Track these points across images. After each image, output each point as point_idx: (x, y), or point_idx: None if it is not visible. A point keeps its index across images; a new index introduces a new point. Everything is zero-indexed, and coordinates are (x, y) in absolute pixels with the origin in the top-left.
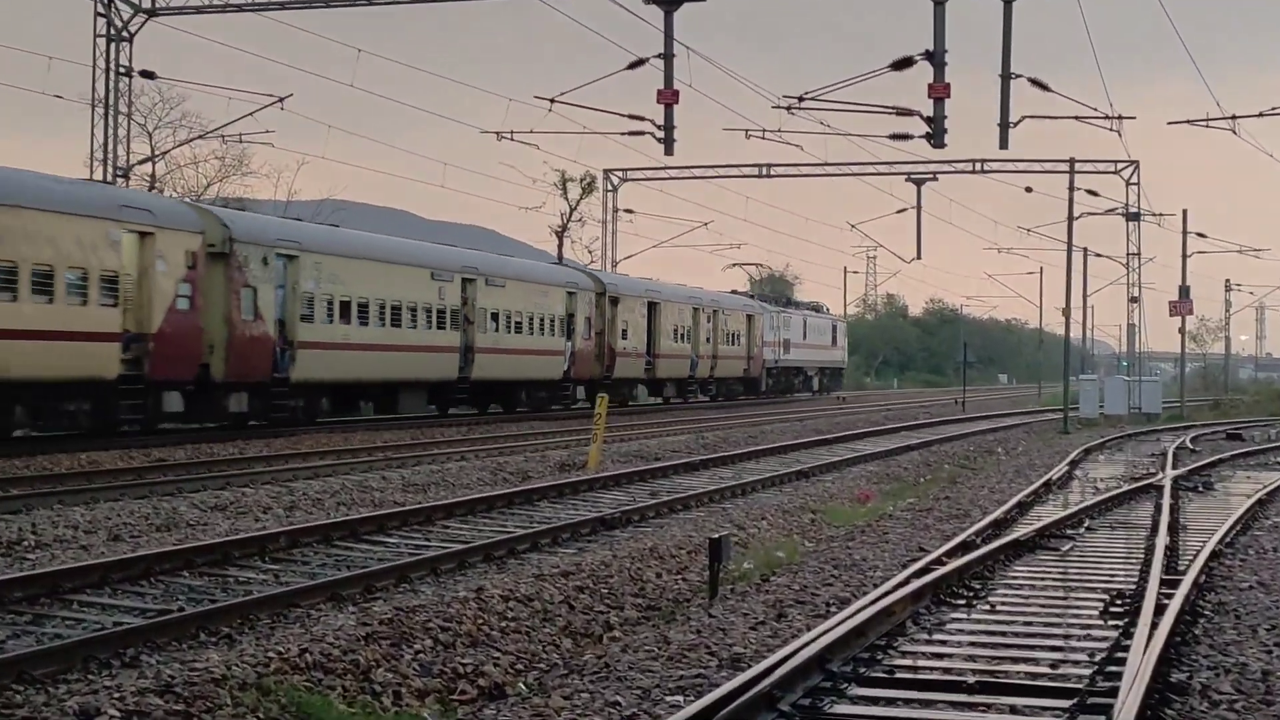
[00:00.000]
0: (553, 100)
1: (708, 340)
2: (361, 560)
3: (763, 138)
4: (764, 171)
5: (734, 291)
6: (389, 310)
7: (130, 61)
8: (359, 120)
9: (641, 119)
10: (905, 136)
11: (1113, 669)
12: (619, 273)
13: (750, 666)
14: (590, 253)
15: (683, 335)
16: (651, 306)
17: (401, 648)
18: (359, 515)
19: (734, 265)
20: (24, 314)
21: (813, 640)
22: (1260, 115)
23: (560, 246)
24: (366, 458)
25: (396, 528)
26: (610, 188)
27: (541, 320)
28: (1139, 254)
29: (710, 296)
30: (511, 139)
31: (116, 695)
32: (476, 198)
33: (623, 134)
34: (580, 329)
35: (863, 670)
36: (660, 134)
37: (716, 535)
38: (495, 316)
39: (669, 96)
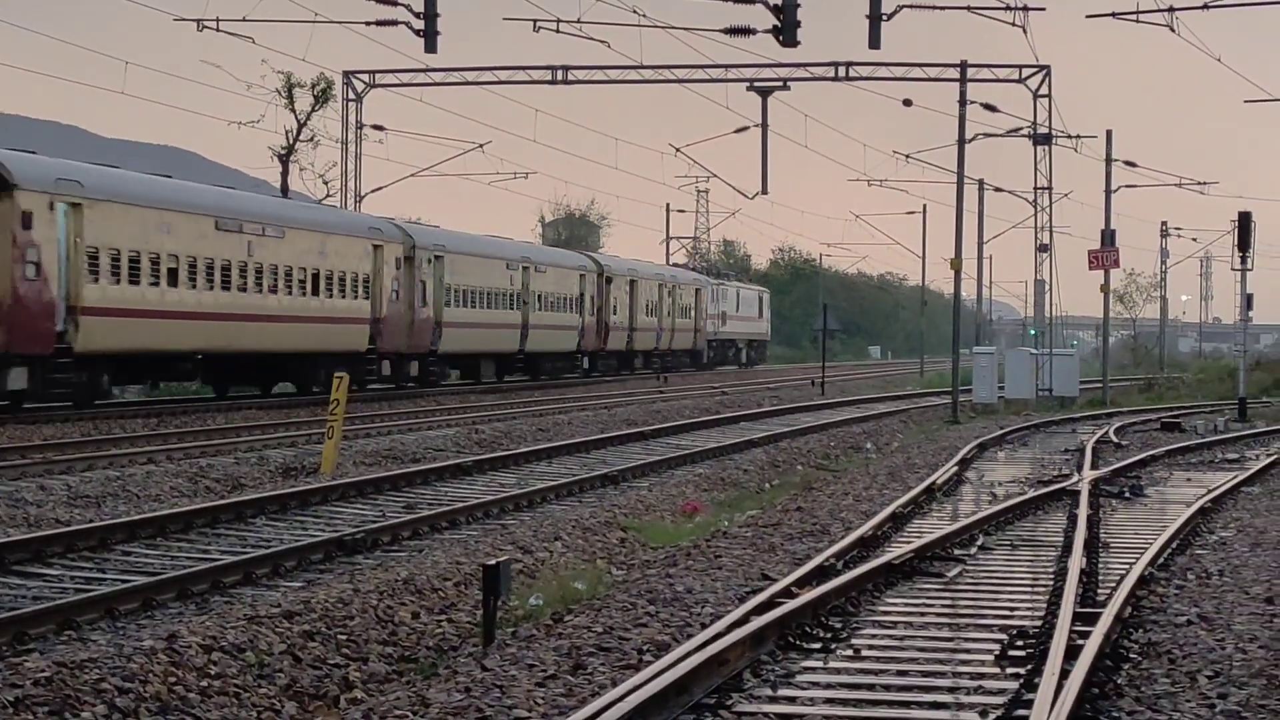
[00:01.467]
0: None
1: (669, 314)
2: (10, 600)
3: (557, 31)
4: (558, 76)
5: (688, 266)
6: (488, 296)
7: None
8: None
9: (394, 3)
10: (747, 31)
11: None
12: (609, 254)
13: None
14: (326, 183)
15: (652, 310)
16: (632, 284)
17: (64, 717)
18: (6, 538)
19: (542, 220)
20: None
21: (619, 699)
22: (1205, 7)
23: (284, 175)
24: (19, 460)
25: (59, 555)
26: (352, 96)
27: (565, 300)
28: (1050, 188)
29: (670, 273)
30: (217, 29)
31: None
32: (171, 109)
33: (369, 24)
34: (588, 307)
35: None
36: (419, 24)
37: (493, 561)
38: (540, 299)
39: None
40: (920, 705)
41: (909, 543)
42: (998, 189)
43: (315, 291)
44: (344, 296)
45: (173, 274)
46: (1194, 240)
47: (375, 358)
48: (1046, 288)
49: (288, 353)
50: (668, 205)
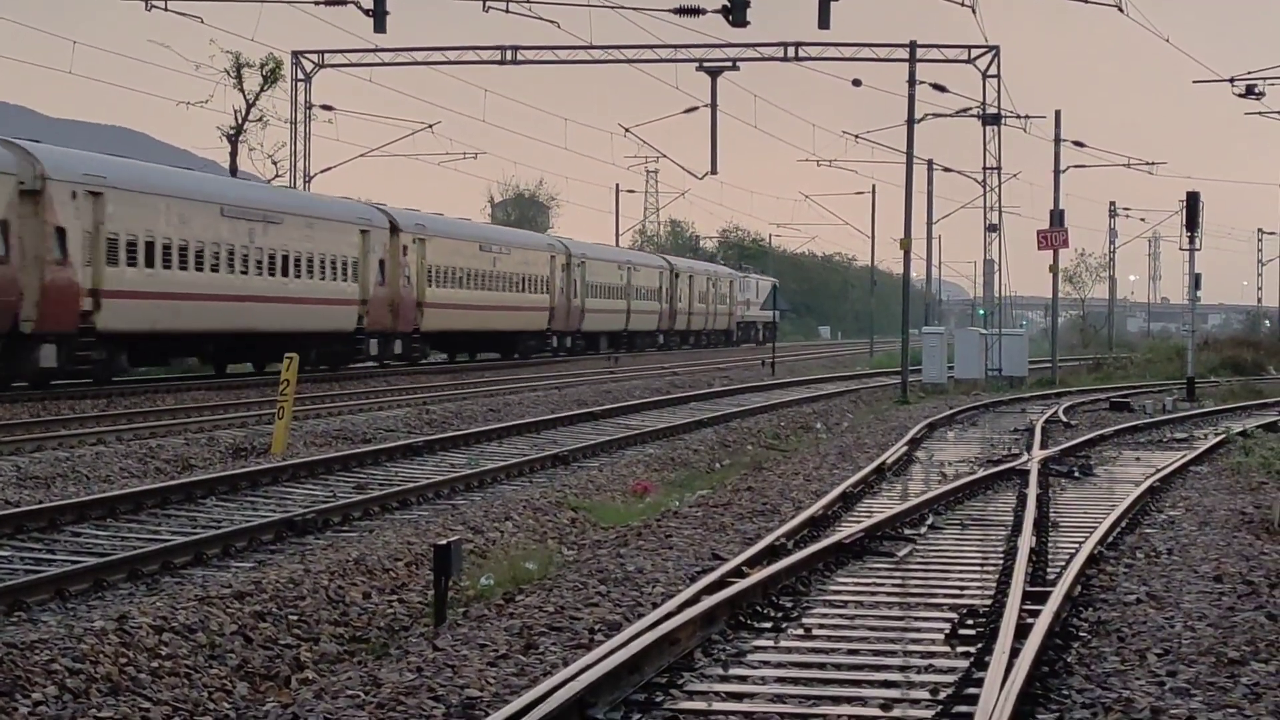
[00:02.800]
0: None
1: (713, 301)
2: None
3: (506, 11)
4: (507, 56)
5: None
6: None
7: None
8: None
9: None
10: (696, 11)
11: (961, 709)
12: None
13: (487, 715)
14: (276, 163)
15: (703, 298)
16: (691, 279)
17: (14, 699)
18: None
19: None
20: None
21: (571, 679)
22: None
23: (233, 155)
24: None
25: (9, 536)
26: (301, 76)
27: (650, 291)
28: (999, 168)
29: (713, 268)
30: (165, 9)
31: None
32: (119, 89)
33: (318, 3)
34: (664, 296)
35: (637, 716)
36: (368, 3)
37: (444, 541)
38: (592, 287)
39: None
40: (871, 684)
41: (859, 522)
42: (947, 169)
43: (310, 274)
44: (335, 279)
45: (183, 258)
46: (1142, 220)
47: (363, 337)
48: (995, 268)
49: (284, 332)
50: (617, 185)
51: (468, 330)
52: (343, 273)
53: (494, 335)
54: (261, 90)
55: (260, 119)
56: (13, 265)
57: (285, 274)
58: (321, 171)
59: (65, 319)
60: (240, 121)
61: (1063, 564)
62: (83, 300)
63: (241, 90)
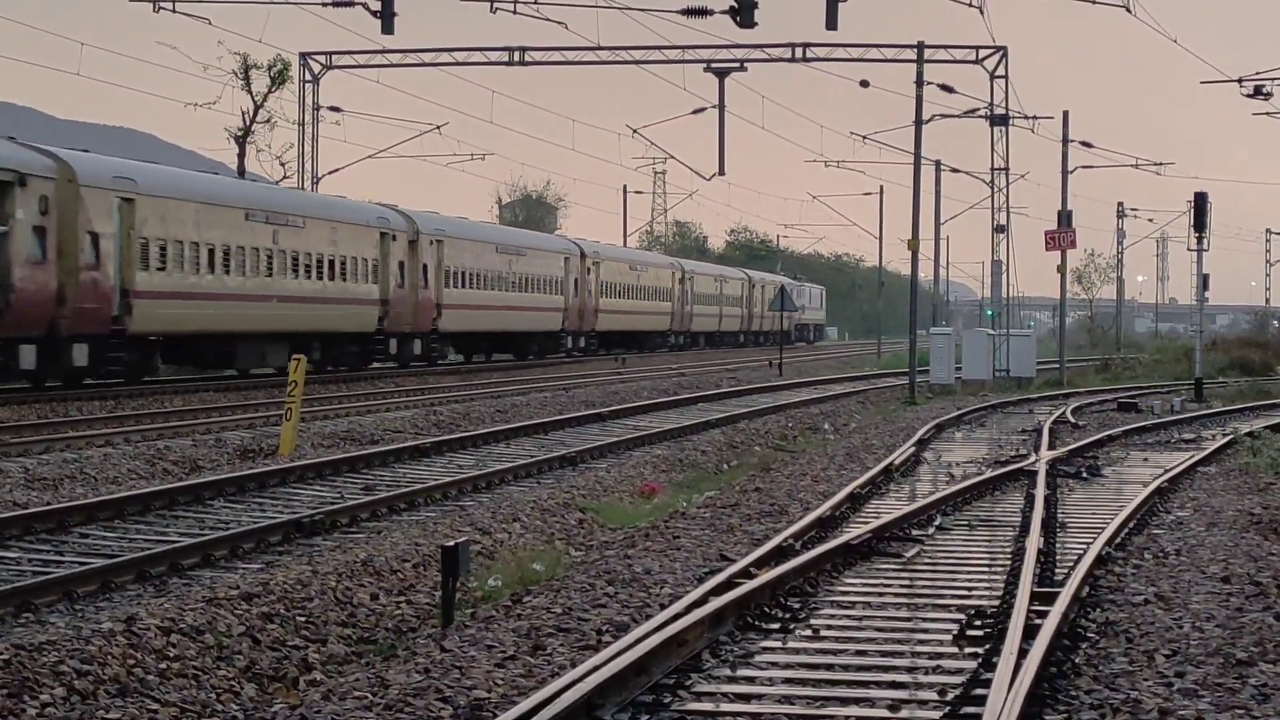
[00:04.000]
0: None
1: (738, 300)
2: None
3: (514, 12)
4: (516, 57)
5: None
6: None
7: None
8: None
9: None
10: (704, 12)
11: (970, 710)
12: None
13: (495, 716)
14: (283, 165)
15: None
16: (762, 288)
17: (23, 700)
18: None
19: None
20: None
21: (579, 680)
22: None
23: (241, 156)
24: None
25: (16, 538)
26: (309, 78)
27: (712, 297)
28: (1006, 169)
29: (775, 278)
30: (173, 10)
31: None
32: (126, 90)
33: (326, 4)
34: (743, 302)
35: (645, 718)
36: (376, 5)
37: (452, 543)
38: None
39: None
40: (879, 685)
41: (867, 523)
42: (954, 170)
43: (332, 276)
44: (356, 281)
45: (210, 261)
46: (1150, 221)
47: (384, 337)
48: (1003, 268)
49: (309, 333)
50: (625, 186)
51: (484, 331)
52: (364, 274)
53: (510, 336)
54: (269, 91)
55: (268, 120)
56: (50, 268)
57: (308, 275)
58: (329, 173)
59: (99, 320)
60: (248, 123)
61: (1071, 565)
62: (115, 302)
63: (249, 91)
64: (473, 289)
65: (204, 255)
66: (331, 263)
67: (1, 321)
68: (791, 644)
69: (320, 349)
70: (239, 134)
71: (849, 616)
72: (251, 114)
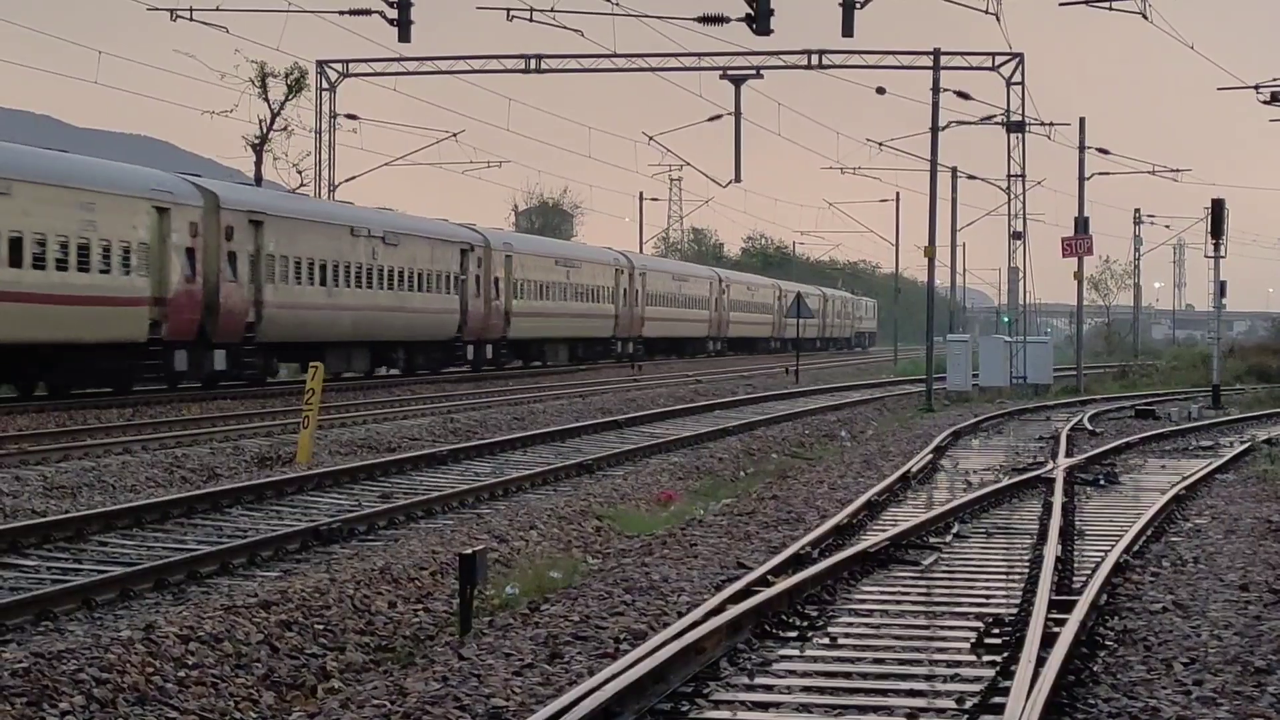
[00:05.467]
0: None
1: (841, 318)
2: None
3: (530, 20)
4: (532, 65)
5: (843, 287)
6: (594, 291)
7: None
8: None
9: None
10: (720, 19)
11: (988, 718)
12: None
13: None
14: (300, 172)
15: (837, 316)
16: (828, 301)
17: (42, 708)
18: None
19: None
20: None
21: (596, 688)
22: None
23: (258, 164)
24: None
25: (35, 546)
26: (326, 85)
27: (764, 306)
28: (1023, 176)
29: (841, 293)
30: (191, 19)
31: None
32: (144, 98)
33: (343, 13)
34: (819, 313)
35: None
36: (393, 13)
37: (469, 550)
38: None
39: None
40: (897, 693)
41: (884, 531)
42: (971, 177)
43: (422, 288)
44: (440, 292)
45: (323, 275)
46: (1167, 227)
47: (461, 344)
48: (1020, 275)
49: (399, 341)
50: (640, 194)
51: (548, 337)
52: (446, 286)
53: (569, 341)
54: (286, 100)
55: (285, 128)
56: (198, 285)
57: (402, 288)
58: (346, 180)
59: (238, 329)
60: (265, 131)
61: (1089, 572)
62: (250, 313)
63: (266, 100)
64: (537, 300)
65: (317, 270)
66: (420, 276)
67: (161, 329)
68: (809, 652)
69: (405, 355)
70: (256, 142)
71: (867, 624)
72: (269, 122)
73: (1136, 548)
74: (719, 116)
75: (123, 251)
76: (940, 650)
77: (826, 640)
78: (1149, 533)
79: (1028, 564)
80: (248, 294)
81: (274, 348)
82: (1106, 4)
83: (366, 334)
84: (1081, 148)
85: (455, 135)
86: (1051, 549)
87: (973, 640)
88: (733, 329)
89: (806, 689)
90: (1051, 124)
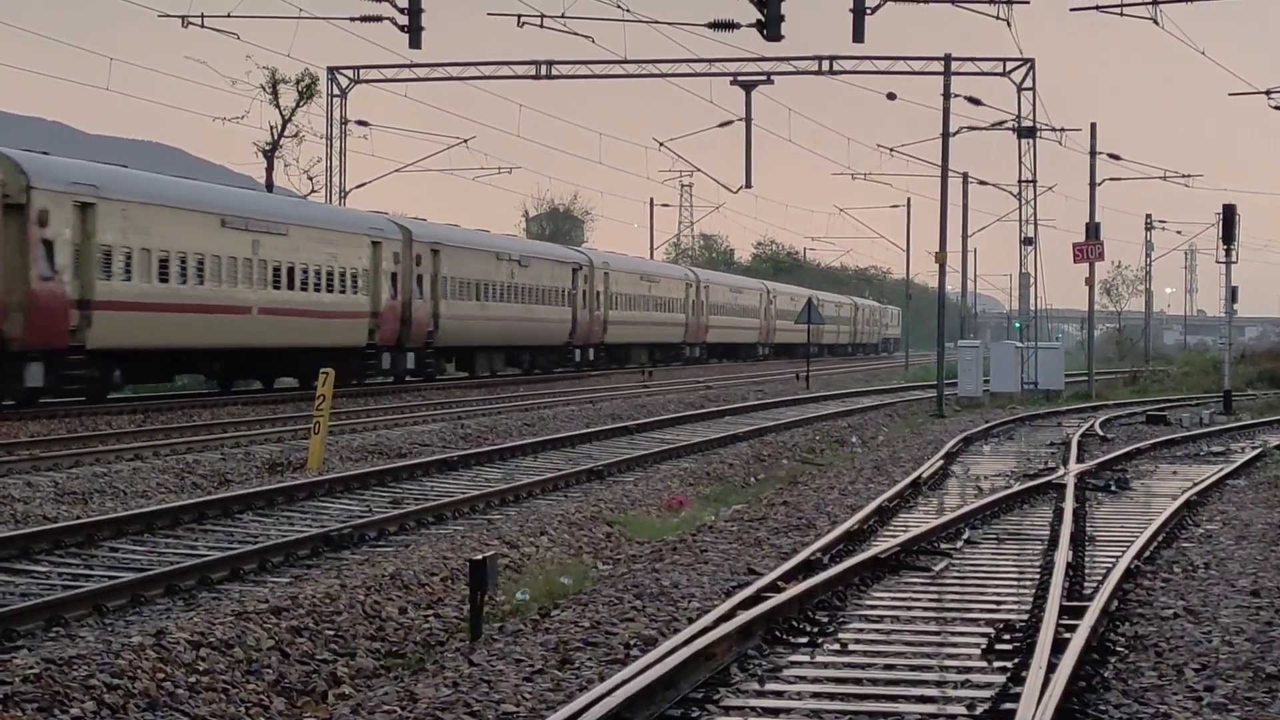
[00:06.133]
0: None
1: (871, 326)
2: None
3: (540, 26)
4: (542, 71)
5: (869, 297)
6: (665, 303)
7: None
8: None
9: None
10: (731, 25)
11: None
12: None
13: None
14: (311, 178)
15: (867, 323)
16: (860, 309)
17: (53, 714)
18: None
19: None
20: None
21: (607, 694)
22: (1189, 0)
23: (269, 171)
24: (4, 457)
25: (46, 552)
26: (337, 92)
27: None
28: (1034, 181)
29: (872, 303)
30: (202, 25)
31: None
32: (154, 105)
33: (353, 19)
34: (853, 321)
35: None
36: (403, 19)
37: (480, 556)
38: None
39: None
40: (907, 699)
41: (895, 537)
42: (982, 182)
43: (546, 301)
44: (556, 304)
45: (478, 292)
46: (1178, 233)
47: (571, 348)
48: (1031, 281)
49: (526, 345)
50: (651, 200)
51: (635, 342)
52: (562, 299)
53: (649, 347)
54: (297, 106)
55: (296, 135)
56: (398, 302)
57: (532, 301)
58: (357, 187)
59: (423, 336)
60: (276, 137)
61: (1099, 578)
62: (433, 322)
63: (277, 106)
64: (628, 310)
65: (474, 289)
66: (544, 291)
67: (373, 337)
68: (820, 658)
69: (530, 358)
70: (267, 148)
71: (877, 630)
72: (280, 128)
73: (1148, 553)
74: (730, 122)
75: (353, 277)
76: (951, 656)
77: (837, 646)
78: (1160, 538)
79: (1039, 570)
80: (430, 308)
81: (446, 351)
82: (1117, 10)
83: (506, 340)
84: (1093, 153)
85: (466, 141)
86: (1062, 555)
87: (984, 646)
88: (779, 335)
89: (817, 695)
90: (1063, 129)
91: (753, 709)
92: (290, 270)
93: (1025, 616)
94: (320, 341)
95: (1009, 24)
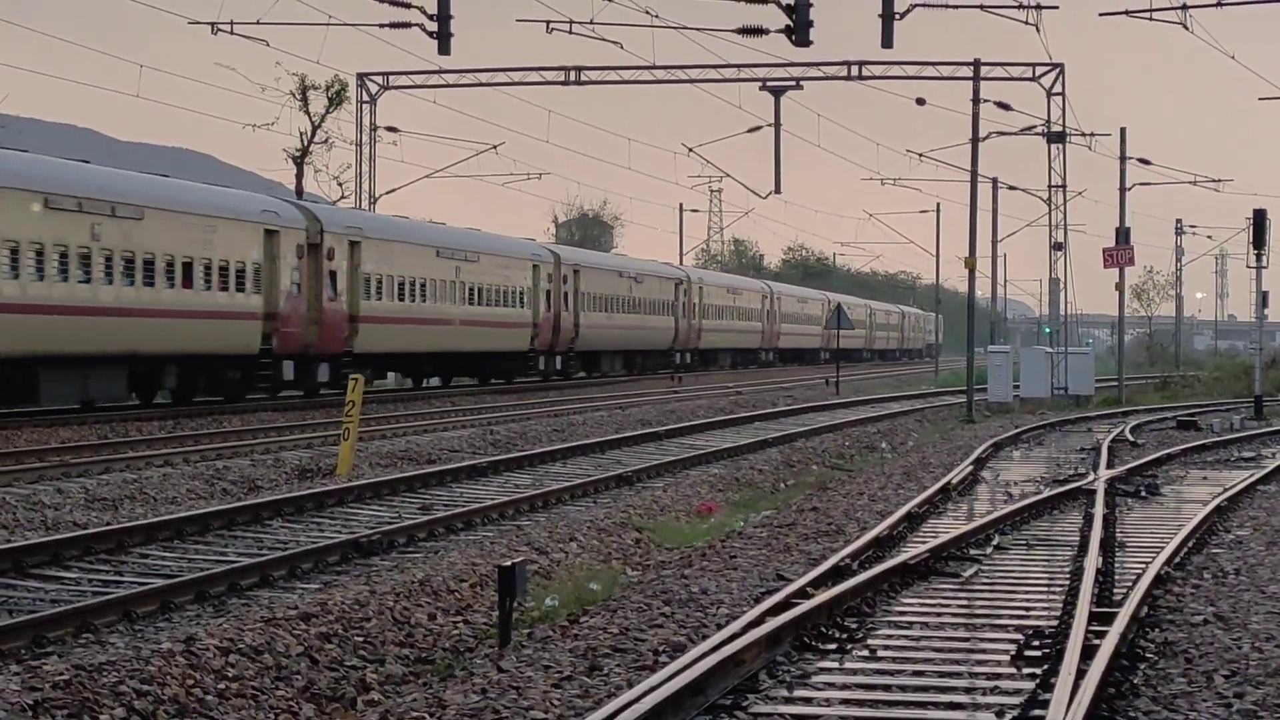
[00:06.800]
0: None
1: (915, 331)
2: (29, 603)
3: (570, 32)
4: (571, 77)
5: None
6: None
7: None
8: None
9: (408, 5)
10: (759, 31)
11: None
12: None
13: None
14: (341, 185)
15: (913, 329)
16: (905, 316)
17: None
18: (24, 541)
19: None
20: None
21: (635, 700)
22: (1219, 5)
23: (299, 177)
24: (36, 463)
25: (77, 558)
26: (366, 98)
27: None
28: (1064, 186)
29: (913, 310)
30: (231, 32)
31: None
32: (185, 112)
33: (382, 26)
34: (900, 328)
35: None
36: (433, 26)
37: (509, 562)
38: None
39: None
40: (936, 705)
41: (924, 543)
42: (1012, 187)
43: (653, 312)
44: (664, 315)
45: (609, 305)
46: (1209, 238)
47: (674, 352)
48: (1061, 286)
49: (639, 350)
50: (680, 205)
51: (721, 347)
52: (667, 310)
53: (732, 351)
54: (327, 112)
55: (326, 141)
56: (552, 313)
57: (644, 312)
58: (386, 193)
59: (565, 343)
60: (306, 143)
61: (1129, 584)
62: (574, 329)
63: (307, 112)
64: (603, 311)
65: (605, 302)
66: (652, 303)
67: (533, 343)
68: (849, 664)
69: (641, 362)
70: (297, 154)
71: (906, 636)
72: (309, 135)
73: (1178, 559)
74: (759, 128)
75: (520, 294)
76: (980, 662)
77: (866, 652)
78: (1190, 544)
79: (1068, 575)
80: (573, 319)
81: (583, 355)
82: (1147, 14)
83: (625, 345)
84: (1122, 158)
85: (495, 147)
86: (1092, 560)
87: (1013, 652)
88: (784, 340)
89: (845, 701)
90: (1092, 134)
91: (782, 716)
92: (480, 290)
93: (1055, 623)
94: (498, 346)
95: (1038, 29)
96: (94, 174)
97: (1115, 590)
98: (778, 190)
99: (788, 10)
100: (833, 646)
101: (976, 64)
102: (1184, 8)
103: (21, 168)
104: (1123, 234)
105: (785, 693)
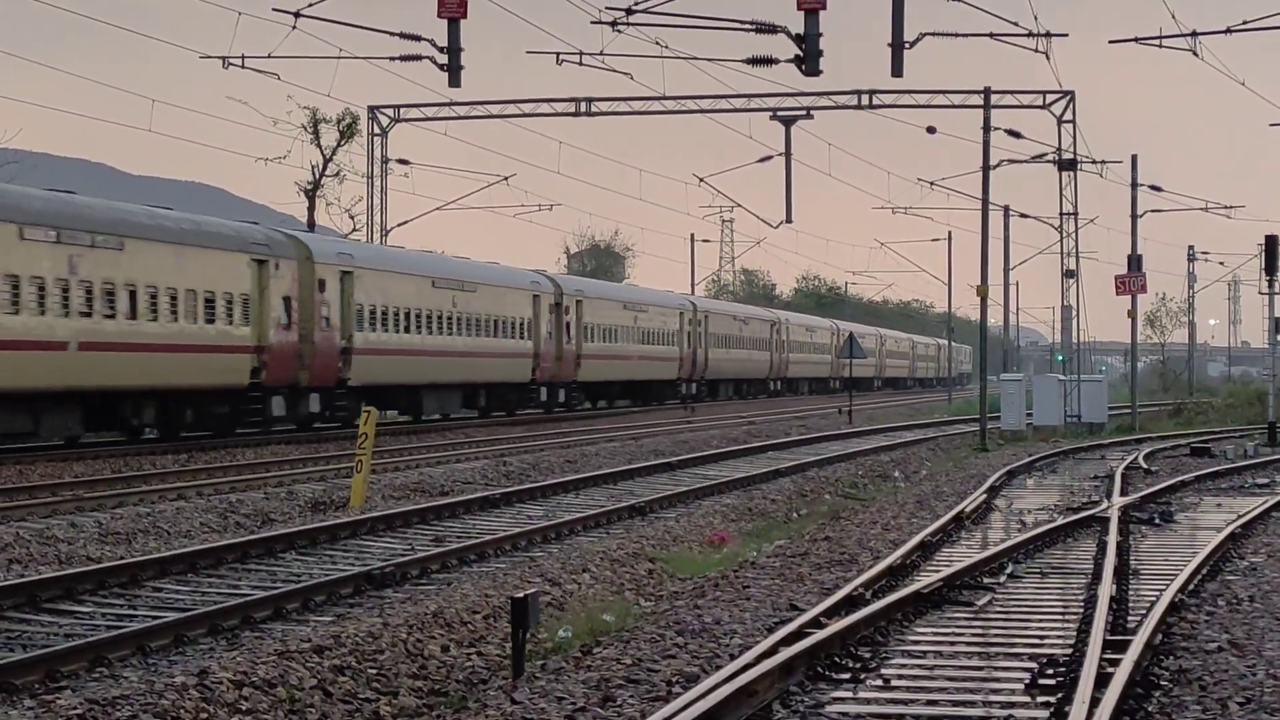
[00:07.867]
0: (297, 14)
1: (950, 362)
2: (42, 637)
3: (579, 64)
4: (582, 108)
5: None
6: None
7: None
8: (35, 44)
9: (418, 38)
10: (769, 61)
11: None
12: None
13: None
14: (353, 217)
15: (949, 360)
16: (943, 349)
17: None
18: (38, 576)
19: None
20: None
21: None
22: (1228, 31)
23: (311, 210)
24: (49, 498)
25: (90, 592)
26: (378, 131)
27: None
28: (1075, 214)
29: (944, 342)
30: (243, 66)
31: None
32: (196, 145)
33: (393, 59)
34: (936, 359)
35: None
36: (443, 59)
37: (521, 594)
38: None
39: (454, 8)
40: None
41: (938, 571)
42: (1023, 215)
43: (660, 342)
44: (669, 345)
45: (613, 335)
46: (1221, 264)
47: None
48: (1073, 313)
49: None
50: (692, 235)
51: (726, 378)
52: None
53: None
54: (338, 145)
55: (337, 174)
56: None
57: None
58: (398, 225)
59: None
60: (317, 176)
61: (1143, 612)
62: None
63: (318, 145)
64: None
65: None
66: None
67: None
68: (862, 694)
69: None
70: (309, 187)
71: (920, 665)
72: (321, 168)
73: (1192, 586)
74: (769, 157)
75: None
76: (994, 691)
77: (879, 682)
78: (1204, 571)
79: (1082, 604)
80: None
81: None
82: (1157, 42)
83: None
84: (1134, 185)
85: (506, 179)
86: (1106, 588)
87: (1027, 681)
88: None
89: None
90: (1103, 161)
91: None
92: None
93: (1069, 651)
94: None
95: (1048, 57)
96: (449, 262)
97: (1129, 618)
98: (789, 219)
99: (797, 40)
100: (846, 676)
101: (987, 92)
102: (1194, 35)
103: (421, 261)
104: (1135, 261)
105: None
